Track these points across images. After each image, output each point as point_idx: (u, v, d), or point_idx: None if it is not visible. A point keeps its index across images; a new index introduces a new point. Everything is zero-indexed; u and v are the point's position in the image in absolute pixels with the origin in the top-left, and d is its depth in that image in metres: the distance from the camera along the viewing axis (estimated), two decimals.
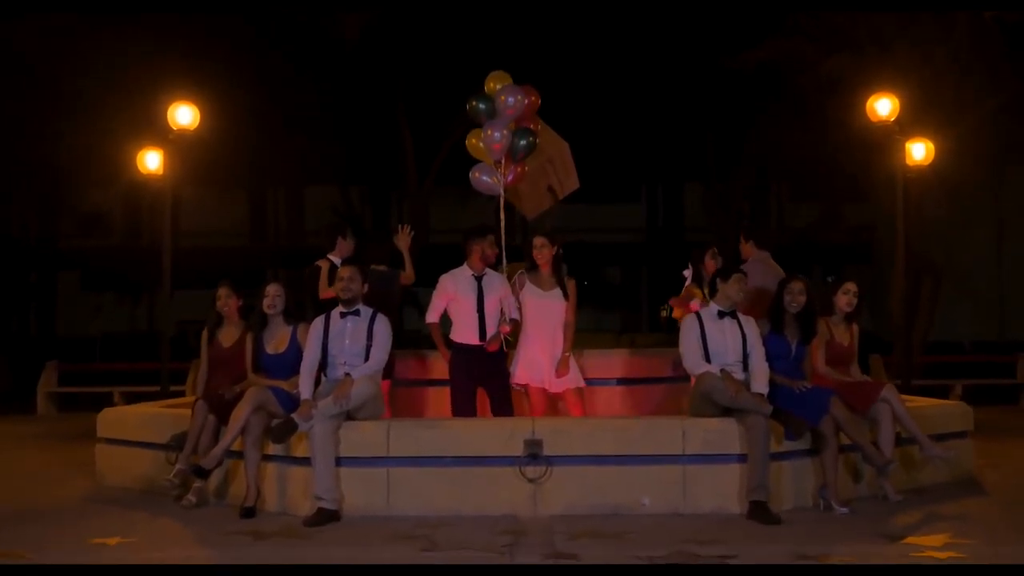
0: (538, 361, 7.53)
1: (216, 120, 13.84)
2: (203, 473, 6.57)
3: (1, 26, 15.85)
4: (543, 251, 7.58)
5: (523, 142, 8.23)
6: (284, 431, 6.39)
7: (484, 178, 8.33)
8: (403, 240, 8.05)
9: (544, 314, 7.55)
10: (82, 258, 28.69)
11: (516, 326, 7.59)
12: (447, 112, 20.80)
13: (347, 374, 6.53)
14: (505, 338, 7.55)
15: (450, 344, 7.62)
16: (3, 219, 25.29)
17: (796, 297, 6.88)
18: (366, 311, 6.78)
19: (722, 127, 22.88)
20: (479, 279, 7.56)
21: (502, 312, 7.52)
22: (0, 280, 25.39)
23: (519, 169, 8.44)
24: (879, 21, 16.53)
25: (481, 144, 8.27)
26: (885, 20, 16.49)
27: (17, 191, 23.44)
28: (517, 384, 7.63)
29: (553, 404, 7.74)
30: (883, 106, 12.37)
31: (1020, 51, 16.06)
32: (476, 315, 7.47)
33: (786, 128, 18.89)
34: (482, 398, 7.59)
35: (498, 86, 8.30)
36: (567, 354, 7.55)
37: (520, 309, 7.60)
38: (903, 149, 12.71)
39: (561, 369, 7.52)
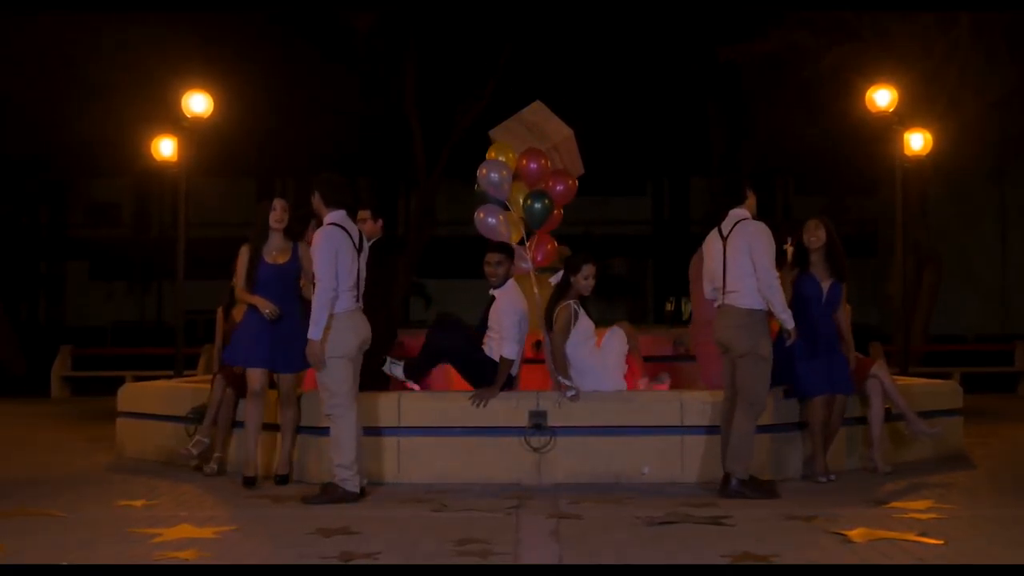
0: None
1: (227, 109, 14.09)
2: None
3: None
4: (591, 280, 7.02)
5: (538, 205, 8.36)
6: None
7: (490, 220, 8.37)
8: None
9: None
10: (91, 248, 28.99)
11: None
12: (456, 103, 21.11)
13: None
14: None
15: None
16: (13, 209, 25.58)
17: (813, 232, 6.81)
18: None
19: (726, 118, 23.12)
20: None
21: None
22: (10, 269, 25.68)
23: (549, 246, 8.63)
24: (881, 12, 16.75)
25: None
26: (887, 12, 16.72)
27: (27, 181, 23.75)
28: None
29: None
30: (882, 97, 12.62)
31: (1020, 43, 16.28)
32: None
33: (788, 118, 19.13)
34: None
35: (497, 155, 8.48)
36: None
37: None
38: (902, 140, 12.95)
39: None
